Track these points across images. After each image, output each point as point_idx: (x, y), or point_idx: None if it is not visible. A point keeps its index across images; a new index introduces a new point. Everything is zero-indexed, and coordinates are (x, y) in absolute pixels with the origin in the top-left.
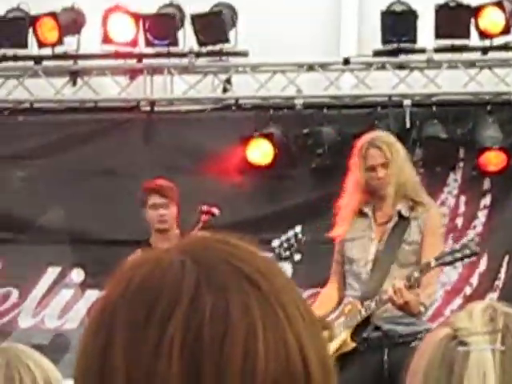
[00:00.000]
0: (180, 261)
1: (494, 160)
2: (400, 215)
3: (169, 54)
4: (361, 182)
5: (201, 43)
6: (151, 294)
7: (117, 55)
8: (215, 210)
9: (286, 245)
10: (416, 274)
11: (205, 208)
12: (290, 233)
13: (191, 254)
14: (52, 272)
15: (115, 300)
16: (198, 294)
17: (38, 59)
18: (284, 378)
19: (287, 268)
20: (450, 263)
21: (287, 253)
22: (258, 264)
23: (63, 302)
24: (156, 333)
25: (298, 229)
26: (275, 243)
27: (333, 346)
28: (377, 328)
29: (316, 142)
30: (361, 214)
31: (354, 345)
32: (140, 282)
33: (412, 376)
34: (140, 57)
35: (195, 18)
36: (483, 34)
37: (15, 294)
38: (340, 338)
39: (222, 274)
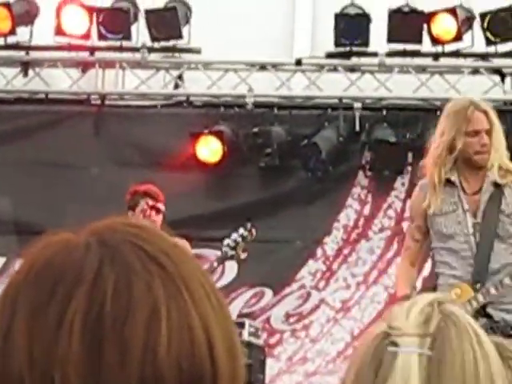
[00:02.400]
0: (85, 242)
1: None
2: (495, 184)
3: (121, 48)
4: (455, 146)
5: (154, 38)
6: (54, 274)
7: (69, 47)
8: (160, 206)
9: (232, 244)
10: None
11: (151, 203)
12: (238, 232)
13: (98, 236)
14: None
15: (19, 281)
16: (100, 273)
17: None
18: (188, 360)
19: (233, 266)
20: None
21: (233, 252)
22: (165, 246)
23: None
24: (57, 312)
25: (245, 228)
26: (224, 242)
27: None
28: (486, 315)
29: (265, 142)
30: (447, 183)
31: None
32: (43, 263)
33: (347, 372)
34: (92, 50)
35: (149, 14)
36: (435, 40)
37: None
38: None
39: (127, 254)
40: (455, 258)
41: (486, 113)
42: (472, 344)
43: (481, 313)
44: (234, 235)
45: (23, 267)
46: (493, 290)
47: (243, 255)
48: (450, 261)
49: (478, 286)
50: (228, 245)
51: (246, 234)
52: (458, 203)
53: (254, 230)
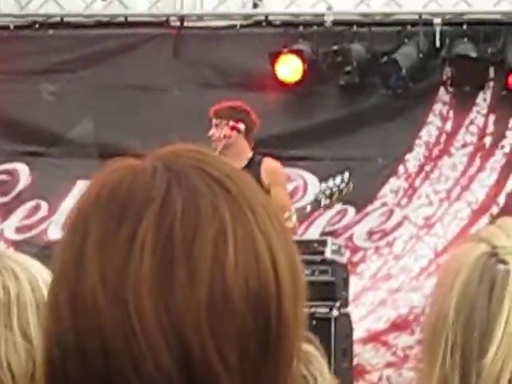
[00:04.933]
0: (152, 166)
1: None
2: None
3: None
4: None
5: None
6: (123, 196)
7: None
8: (241, 126)
9: (328, 192)
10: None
11: (231, 123)
12: (335, 180)
13: (163, 161)
14: (82, 185)
15: (89, 205)
16: (168, 195)
17: None
18: (254, 279)
19: (315, 184)
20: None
21: (327, 201)
22: (229, 170)
23: None
24: (128, 233)
25: (342, 179)
26: (321, 187)
27: None
28: None
29: (345, 60)
30: None
31: None
32: (112, 187)
33: (445, 287)
34: None
35: None
36: None
37: (44, 206)
38: None
39: (193, 177)
40: None
41: None
42: None
43: None
44: (331, 183)
45: (92, 190)
46: None
47: (337, 205)
48: None
49: None
50: (324, 192)
51: (343, 186)
52: None
53: (351, 184)
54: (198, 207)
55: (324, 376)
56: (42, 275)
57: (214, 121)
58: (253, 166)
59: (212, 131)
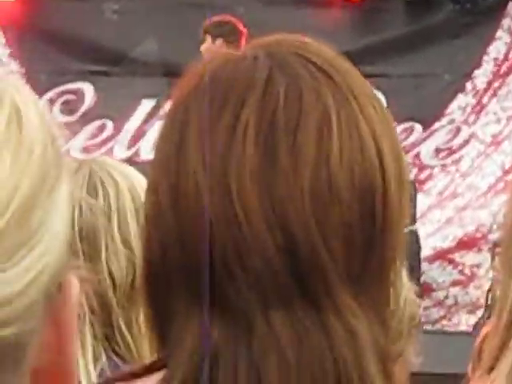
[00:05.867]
0: (253, 54)
1: None
2: None
3: None
4: None
5: None
6: (225, 82)
7: None
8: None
9: None
10: None
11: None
12: None
13: (264, 49)
14: (147, 104)
15: (189, 92)
16: (271, 81)
17: None
18: (359, 165)
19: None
20: None
21: None
22: (332, 58)
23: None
24: (230, 118)
25: None
26: None
27: None
28: None
29: None
30: None
31: None
32: (213, 74)
33: None
34: None
35: None
36: None
37: (110, 125)
38: None
39: (295, 64)
40: None
41: None
42: None
43: None
44: None
45: (191, 79)
46: None
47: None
48: None
49: None
50: None
51: None
52: None
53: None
54: (300, 93)
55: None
56: (141, 183)
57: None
58: None
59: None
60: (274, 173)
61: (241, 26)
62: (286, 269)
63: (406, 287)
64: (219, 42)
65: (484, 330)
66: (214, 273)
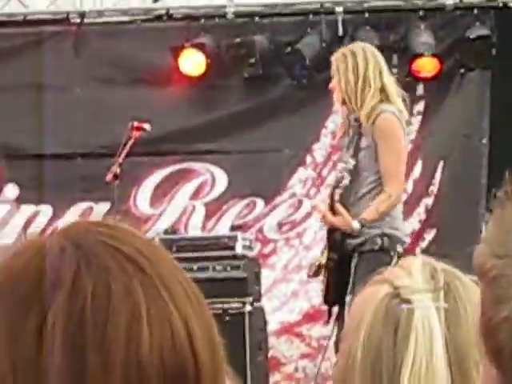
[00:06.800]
0: (60, 246)
1: (427, 66)
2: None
3: None
4: None
5: None
6: (30, 280)
7: None
8: (146, 126)
9: None
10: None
11: (135, 124)
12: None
13: (72, 239)
14: None
15: None
16: (78, 277)
17: None
18: (170, 355)
19: (223, 179)
20: None
21: None
22: (141, 246)
23: None
24: (37, 321)
25: None
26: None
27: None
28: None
29: (248, 51)
30: None
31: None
32: (19, 269)
33: (351, 333)
34: None
35: None
36: None
37: None
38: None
39: (104, 256)
40: None
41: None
42: (475, 293)
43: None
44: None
45: None
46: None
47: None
48: None
49: None
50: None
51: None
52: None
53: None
54: (109, 289)
55: None
56: None
57: None
58: None
59: None
60: (84, 375)
61: None
62: None
63: None
64: None
65: None
66: None
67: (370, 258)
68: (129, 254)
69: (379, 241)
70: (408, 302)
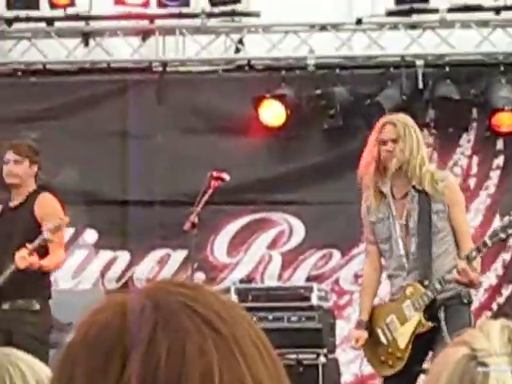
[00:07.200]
0: (140, 305)
1: (506, 121)
2: (416, 189)
3: (180, 15)
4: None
5: (212, 3)
6: (110, 338)
7: (129, 16)
8: (225, 176)
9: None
10: (474, 254)
11: (215, 174)
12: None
13: (152, 299)
14: (66, 233)
15: (77, 345)
16: (154, 337)
17: (50, 20)
18: None
19: (300, 229)
20: (504, 240)
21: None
22: (219, 308)
23: (77, 263)
24: (113, 379)
25: None
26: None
27: (408, 329)
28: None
29: (328, 103)
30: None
31: (429, 324)
32: (99, 329)
33: None
34: (152, 18)
35: None
36: None
37: None
38: (414, 320)
39: (181, 317)
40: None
41: (394, 124)
42: None
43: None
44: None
45: (81, 330)
46: (438, 286)
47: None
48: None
49: (426, 282)
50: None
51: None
52: (388, 210)
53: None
54: (183, 350)
55: None
56: (48, 375)
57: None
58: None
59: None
60: None
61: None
62: None
63: None
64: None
65: None
66: None
67: (461, 310)
68: (206, 316)
69: (467, 295)
70: (484, 364)
